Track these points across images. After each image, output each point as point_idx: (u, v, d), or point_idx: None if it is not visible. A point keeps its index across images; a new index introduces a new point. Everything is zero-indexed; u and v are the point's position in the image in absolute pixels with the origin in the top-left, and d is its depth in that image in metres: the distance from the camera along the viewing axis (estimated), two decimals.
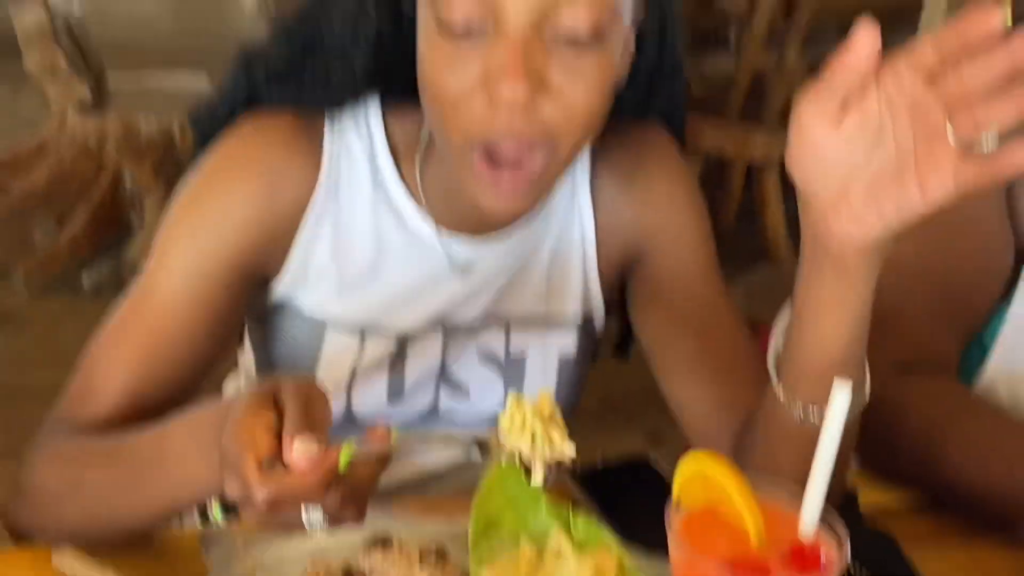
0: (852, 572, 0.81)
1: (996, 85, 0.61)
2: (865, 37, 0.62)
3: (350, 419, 0.99)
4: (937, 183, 0.64)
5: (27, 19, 2.94)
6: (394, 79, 0.90)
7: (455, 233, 0.95)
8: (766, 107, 3.25)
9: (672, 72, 0.98)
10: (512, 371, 1.01)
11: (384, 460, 0.72)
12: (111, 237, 3.22)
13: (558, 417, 0.75)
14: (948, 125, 0.63)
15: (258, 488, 0.66)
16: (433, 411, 1.02)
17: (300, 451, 0.66)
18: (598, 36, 0.79)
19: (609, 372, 1.20)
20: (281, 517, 0.69)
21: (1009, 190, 1.01)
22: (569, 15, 0.77)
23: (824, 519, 0.59)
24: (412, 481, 1.04)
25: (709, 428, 0.96)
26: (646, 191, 1.00)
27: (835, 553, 0.58)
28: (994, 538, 0.91)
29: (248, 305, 0.97)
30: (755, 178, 3.41)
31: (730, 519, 0.59)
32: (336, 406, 0.95)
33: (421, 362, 0.99)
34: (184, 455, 0.78)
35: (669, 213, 1.00)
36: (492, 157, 0.82)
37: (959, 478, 0.92)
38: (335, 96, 0.91)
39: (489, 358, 1.01)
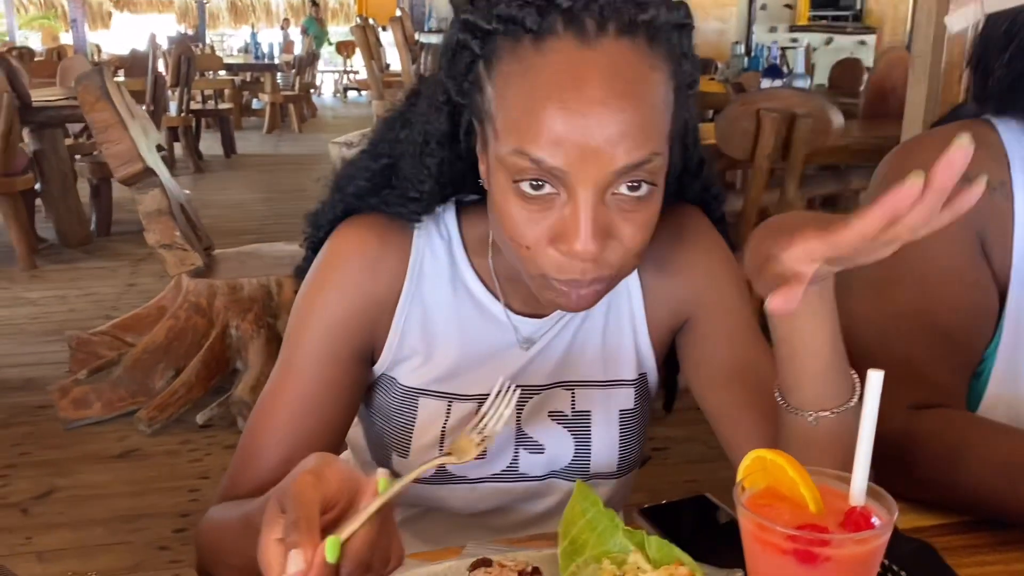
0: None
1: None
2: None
3: (443, 475, 1.00)
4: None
5: (148, 202, 3.09)
6: (460, 191, 0.97)
7: (519, 312, 0.99)
8: None
9: (698, 168, 1.01)
10: (579, 425, 1.02)
11: (383, 509, 0.68)
12: (220, 379, 3.29)
13: None
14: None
15: None
16: (514, 466, 1.02)
17: (290, 566, 0.62)
18: (651, 186, 0.81)
19: None
20: None
21: (983, 243, 1.02)
22: (629, 181, 0.79)
23: (871, 489, 0.60)
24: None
25: None
26: (687, 263, 1.01)
27: (885, 515, 0.58)
28: None
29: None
30: None
31: (789, 494, 0.60)
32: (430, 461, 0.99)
33: None
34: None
35: (711, 280, 1.01)
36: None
37: (983, 494, 0.90)
38: (413, 212, 0.96)
39: (558, 416, 1.02)
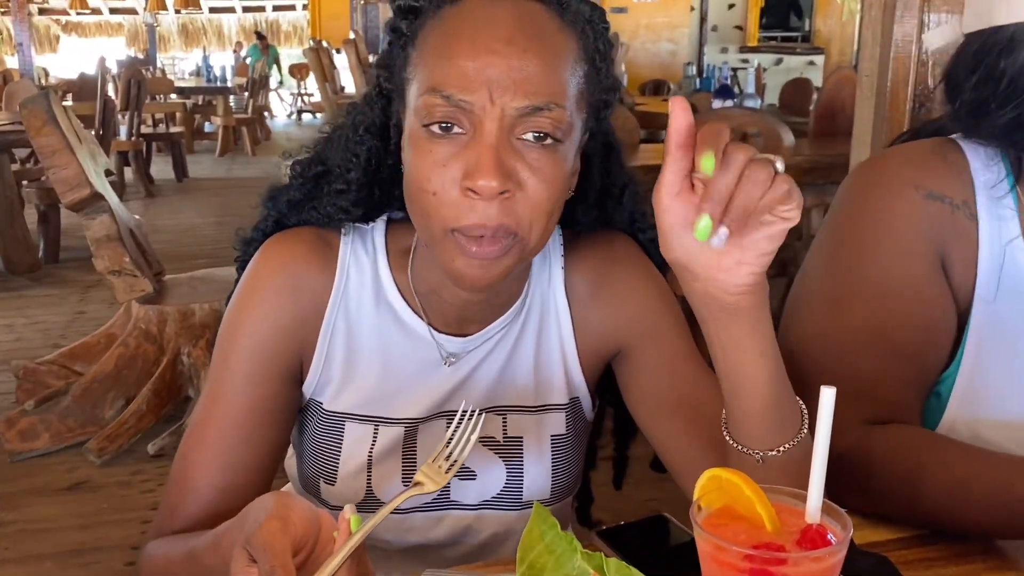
0: None
1: None
2: (679, 112, 0.67)
3: (371, 499, 0.98)
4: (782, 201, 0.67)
5: (97, 228, 3.03)
6: (388, 199, 0.96)
7: (443, 331, 0.99)
8: None
9: (620, 194, 1.02)
10: (510, 451, 1.01)
11: (356, 553, 0.68)
12: (172, 408, 3.23)
13: None
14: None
15: None
16: (445, 494, 1.00)
17: None
18: (556, 140, 0.84)
19: None
20: None
21: (943, 261, 1.02)
22: (535, 124, 0.82)
23: (826, 506, 0.60)
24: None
25: None
26: (618, 292, 1.01)
27: (841, 532, 0.58)
28: (982, 560, 0.89)
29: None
30: None
31: (745, 513, 0.60)
32: (358, 488, 0.98)
33: (429, 449, 0.97)
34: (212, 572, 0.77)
35: (643, 310, 1.01)
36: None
37: (939, 511, 0.91)
38: (341, 211, 0.96)
39: (489, 443, 1.00)
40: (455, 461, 0.82)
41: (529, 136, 0.83)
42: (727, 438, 0.82)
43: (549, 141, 0.83)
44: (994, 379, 1.02)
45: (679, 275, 0.75)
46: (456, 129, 0.82)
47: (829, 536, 0.58)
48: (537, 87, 0.81)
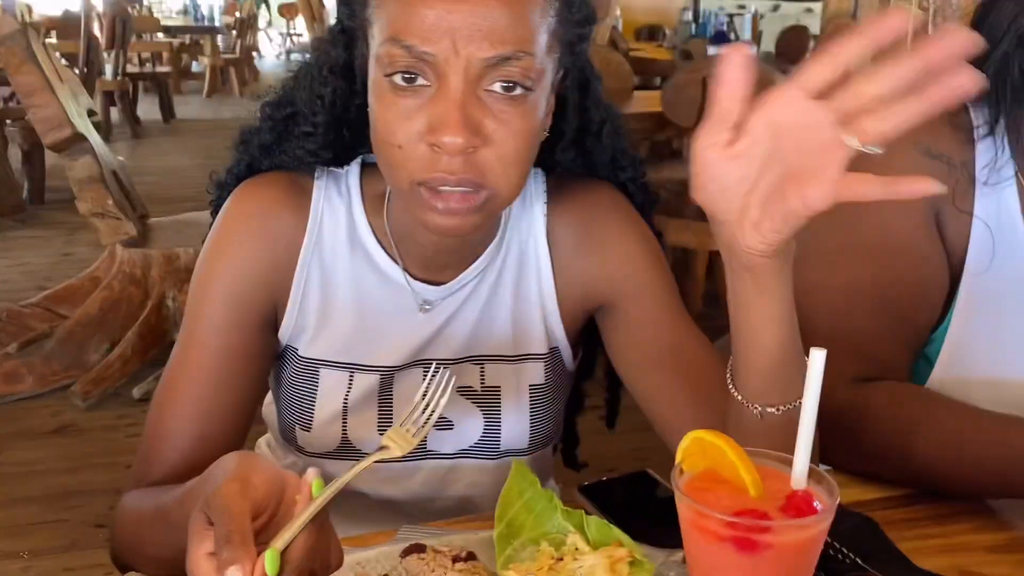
0: (835, 554, 0.78)
1: (900, 90, 0.58)
2: (733, 68, 0.60)
3: (346, 447, 0.97)
4: (818, 194, 0.61)
5: (79, 169, 2.98)
6: (359, 141, 0.93)
7: (419, 277, 0.97)
8: None
9: (599, 131, 0.98)
10: (487, 400, 0.99)
11: (318, 518, 0.64)
12: (157, 352, 3.21)
13: None
14: (845, 134, 0.59)
15: None
16: (422, 443, 0.95)
17: None
18: (526, 89, 0.81)
19: None
20: None
21: (938, 218, 1.00)
22: (502, 79, 0.79)
23: (812, 472, 0.58)
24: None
25: None
26: (602, 245, 0.99)
27: (827, 499, 0.56)
28: (967, 521, 0.89)
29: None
30: (715, 265, 3.44)
31: (729, 477, 0.58)
32: (333, 435, 0.97)
33: (405, 397, 0.96)
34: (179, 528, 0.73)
35: (627, 264, 0.98)
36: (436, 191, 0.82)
37: (932, 469, 0.90)
38: (310, 154, 0.94)
39: (467, 392, 0.99)
40: (423, 424, 0.80)
41: (497, 87, 0.80)
42: (731, 388, 0.80)
43: (519, 91, 0.80)
44: (983, 342, 1.00)
45: (709, 217, 0.70)
46: (420, 80, 0.79)
47: (815, 503, 0.56)
48: (504, 35, 0.77)
